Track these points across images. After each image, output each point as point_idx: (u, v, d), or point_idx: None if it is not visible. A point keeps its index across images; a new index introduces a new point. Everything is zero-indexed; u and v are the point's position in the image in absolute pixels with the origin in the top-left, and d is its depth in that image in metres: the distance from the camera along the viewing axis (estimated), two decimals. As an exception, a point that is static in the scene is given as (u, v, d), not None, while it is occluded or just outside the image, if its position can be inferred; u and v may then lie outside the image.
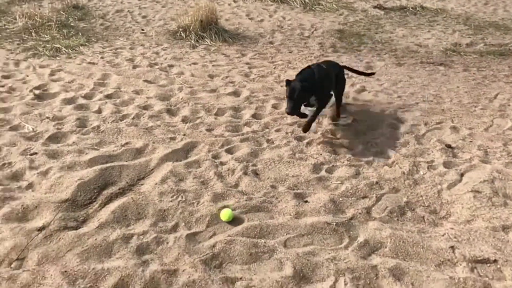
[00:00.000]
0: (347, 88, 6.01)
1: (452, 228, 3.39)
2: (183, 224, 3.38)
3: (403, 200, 3.72)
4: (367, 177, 4.02)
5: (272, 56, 7.34)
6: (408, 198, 3.76)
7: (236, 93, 5.75)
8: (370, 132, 4.87)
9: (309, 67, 4.70)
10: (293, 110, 4.29)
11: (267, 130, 4.84)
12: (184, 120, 5.05)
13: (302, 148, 4.48)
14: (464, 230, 3.37)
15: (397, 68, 6.97)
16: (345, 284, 2.82)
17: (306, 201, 3.64)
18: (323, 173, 4.09)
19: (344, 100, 5.31)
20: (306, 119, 4.55)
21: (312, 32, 8.72)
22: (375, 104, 5.59)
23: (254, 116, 5.16)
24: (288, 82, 4.39)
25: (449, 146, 4.57)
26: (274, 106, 5.40)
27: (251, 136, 4.66)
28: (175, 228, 3.34)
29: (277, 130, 4.80)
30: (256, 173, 4.04)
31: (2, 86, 5.90)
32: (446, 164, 4.24)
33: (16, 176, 4.00)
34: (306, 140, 4.61)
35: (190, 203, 3.59)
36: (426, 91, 6.05)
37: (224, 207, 3.49)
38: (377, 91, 6.00)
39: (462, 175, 4.07)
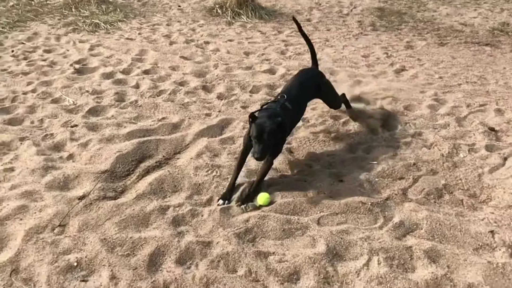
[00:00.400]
0: (385, 67, 5.85)
1: (492, 213, 3.28)
2: (217, 198, 3.41)
3: (441, 183, 3.62)
4: (404, 158, 3.93)
5: (309, 34, 7.17)
6: (447, 181, 3.65)
7: (271, 71, 5.70)
8: (408, 113, 4.74)
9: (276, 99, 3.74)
10: (264, 154, 3.34)
11: (302, 108, 4.78)
12: (220, 96, 5.06)
13: (338, 127, 4.42)
14: (505, 215, 3.25)
15: (439, 48, 6.72)
16: (379, 264, 2.79)
17: (341, 181, 3.60)
18: (359, 153, 4.02)
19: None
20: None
21: (351, 10, 8.50)
22: (415, 85, 5.42)
23: (290, 93, 5.10)
24: (253, 117, 3.38)
25: (492, 129, 4.39)
26: (310, 85, 5.32)
27: (286, 113, 4.63)
28: (209, 202, 3.39)
29: (313, 109, 4.74)
30: (290, 151, 4.02)
31: (44, 60, 6.09)
32: (489, 148, 4.09)
33: (57, 147, 4.14)
34: (343, 120, 4.53)
35: (225, 178, 3.62)
36: (469, 72, 5.81)
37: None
38: (417, 71, 5.82)
39: (505, 159, 3.91)
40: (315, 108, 4.75)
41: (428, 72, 5.79)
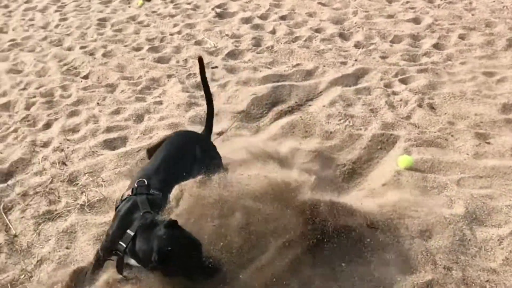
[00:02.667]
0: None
1: None
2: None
3: None
4: None
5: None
6: None
7: (416, 20, 5.25)
8: None
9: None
10: None
11: (449, 62, 4.36)
12: (357, 45, 4.85)
13: (491, 85, 3.94)
14: None
15: None
16: (527, 236, 2.51)
17: (489, 143, 3.25)
18: (514, 115, 3.57)
19: None
20: None
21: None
22: None
23: (436, 46, 4.67)
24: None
25: None
26: (461, 37, 4.79)
27: (430, 67, 4.26)
28: (339, 149, 3.36)
29: (462, 63, 4.29)
30: (432, 107, 3.73)
31: (189, 4, 6.42)
32: None
33: (199, 86, 4.40)
34: (497, 77, 4.03)
35: (358, 128, 3.53)
36: None
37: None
38: None
39: None
40: (465, 63, 4.29)
41: None
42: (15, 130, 3.92)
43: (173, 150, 2.69)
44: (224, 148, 3.07)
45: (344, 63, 4.50)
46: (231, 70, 4.58)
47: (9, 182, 3.28)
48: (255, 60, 4.73)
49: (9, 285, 2.49)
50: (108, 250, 2.26)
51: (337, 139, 3.44)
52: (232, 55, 4.91)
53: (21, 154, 3.55)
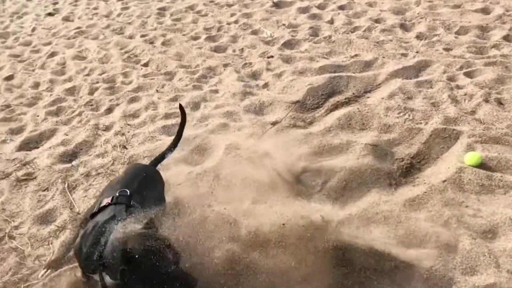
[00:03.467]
0: None
1: None
2: (407, 142, 3.25)
3: None
4: None
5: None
6: None
7: (485, 10, 4.96)
8: None
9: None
10: None
11: (521, 55, 4.10)
12: (419, 36, 4.66)
13: None
14: None
15: None
16: None
17: None
18: None
19: None
20: None
21: None
22: None
23: (506, 38, 4.39)
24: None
25: None
26: (535, 29, 4.49)
27: (499, 60, 4.02)
28: (397, 143, 3.25)
29: (533, 54, 4.02)
30: (500, 102, 3.52)
31: (247, -6, 6.43)
32: None
33: (255, 75, 4.43)
34: None
35: (418, 122, 3.39)
36: None
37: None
38: None
39: None
40: (537, 56, 4.02)
41: None
42: (80, 114, 4.12)
43: (131, 177, 2.45)
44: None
45: (404, 55, 4.34)
46: (287, 60, 4.55)
47: (74, 163, 3.46)
48: (312, 50, 4.67)
49: (74, 259, 2.62)
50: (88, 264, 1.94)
51: (396, 132, 3.33)
52: (288, 44, 4.88)
53: (85, 136, 3.73)
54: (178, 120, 3.81)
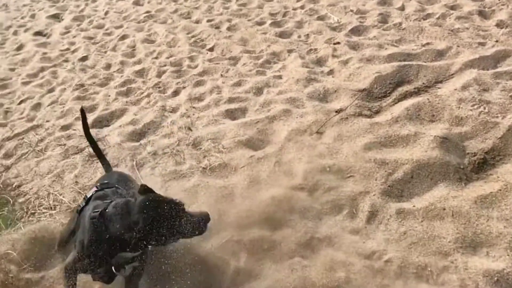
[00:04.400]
0: None
1: None
2: (481, 136, 3.06)
3: None
4: None
5: None
6: None
7: None
8: None
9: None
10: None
11: None
12: (499, 24, 4.35)
13: None
14: None
15: None
16: None
17: None
18: None
19: None
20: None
21: None
22: None
23: None
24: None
25: None
26: None
27: None
28: (469, 137, 3.07)
29: None
30: None
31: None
32: None
33: (320, 62, 4.35)
34: None
35: (494, 116, 3.18)
36: None
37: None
38: None
39: None
40: None
41: None
42: (148, 95, 4.27)
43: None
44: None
45: (482, 44, 4.07)
46: (354, 47, 4.43)
47: (142, 142, 3.60)
48: (380, 37, 4.51)
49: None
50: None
51: (468, 126, 3.15)
52: (356, 31, 4.74)
53: (152, 117, 3.87)
54: (241, 104, 3.87)
